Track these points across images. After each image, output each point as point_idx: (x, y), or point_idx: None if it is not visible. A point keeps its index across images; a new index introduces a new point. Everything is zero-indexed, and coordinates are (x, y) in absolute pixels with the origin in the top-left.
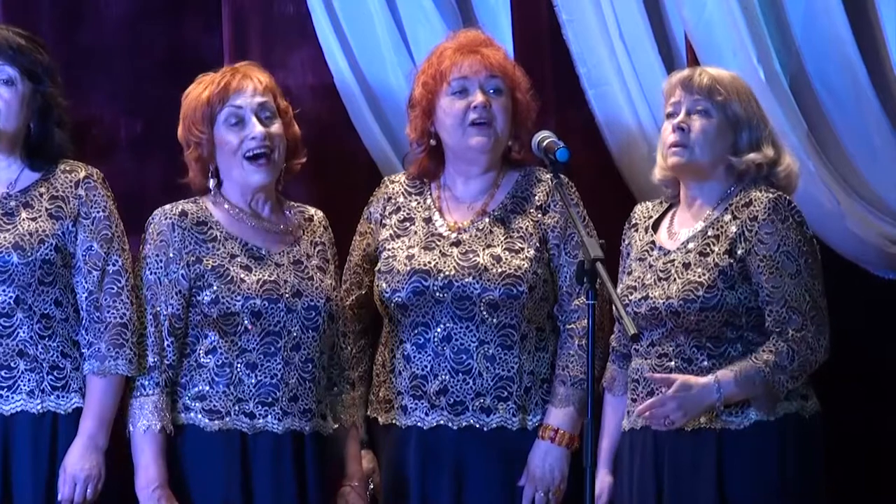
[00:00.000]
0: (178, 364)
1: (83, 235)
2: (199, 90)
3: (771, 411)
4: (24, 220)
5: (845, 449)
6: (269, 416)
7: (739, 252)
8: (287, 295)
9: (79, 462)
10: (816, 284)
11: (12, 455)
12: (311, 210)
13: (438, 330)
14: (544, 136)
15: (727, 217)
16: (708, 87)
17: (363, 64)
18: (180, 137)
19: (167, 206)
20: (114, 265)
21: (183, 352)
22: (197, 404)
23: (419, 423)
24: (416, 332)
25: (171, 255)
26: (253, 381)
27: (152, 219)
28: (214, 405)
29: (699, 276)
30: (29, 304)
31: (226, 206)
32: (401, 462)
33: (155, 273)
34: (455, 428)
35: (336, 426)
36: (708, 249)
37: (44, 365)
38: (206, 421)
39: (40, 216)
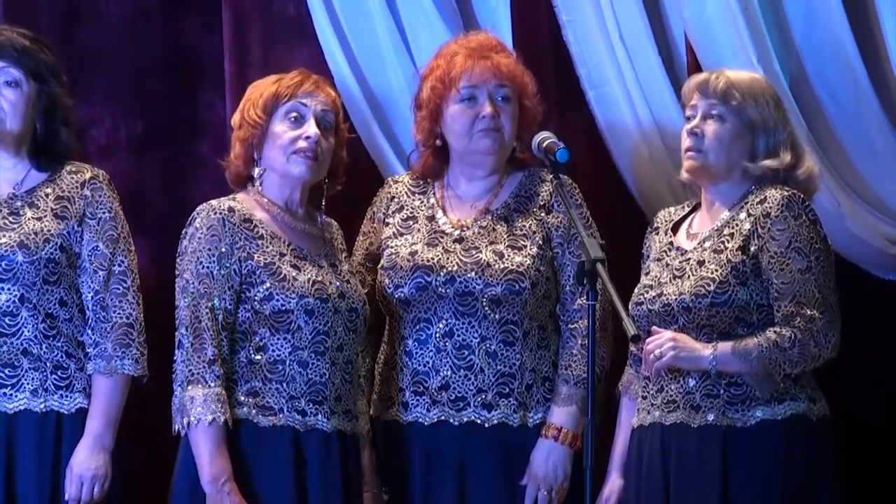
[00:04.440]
0: (230, 359)
1: (89, 236)
2: (270, 81)
3: (767, 395)
4: (29, 219)
5: (844, 450)
6: (319, 415)
7: (752, 249)
8: (334, 296)
9: (85, 462)
10: (827, 281)
11: (17, 454)
12: (329, 219)
13: (440, 325)
14: (544, 137)
15: (742, 215)
16: (723, 92)
17: (363, 65)
18: (234, 120)
19: (213, 202)
20: (119, 265)
21: (231, 348)
22: (250, 400)
23: (420, 419)
24: (417, 327)
25: (224, 249)
26: (304, 379)
27: (198, 213)
28: (268, 402)
29: (711, 273)
30: (34, 304)
31: (265, 203)
32: (403, 458)
33: (208, 267)
34: (456, 424)
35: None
36: (722, 247)
37: (47, 364)
38: (260, 417)
39: (45, 216)
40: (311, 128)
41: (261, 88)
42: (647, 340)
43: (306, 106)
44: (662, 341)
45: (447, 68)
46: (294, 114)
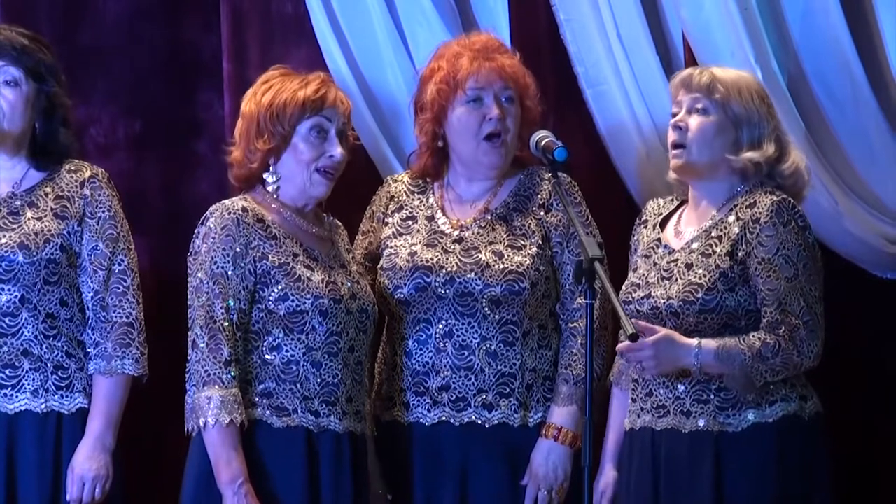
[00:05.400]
0: (243, 359)
1: (88, 235)
2: (293, 86)
3: (745, 394)
4: (29, 219)
5: (842, 449)
6: (332, 416)
7: (740, 254)
8: (346, 297)
9: (86, 462)
10: (813, 290)
11: (17, 454)
12: (336, 220)
13: (440, 326)
14: (542, 136)
15: (731, 218)
16: (707, 85)
17: (362, 64)
18: (251, 118)
19: (226, 202)
20: (119, 265)
21: (245, 348)
22: (264, 401)
23: (421, 420)
24: (417, 328)
25: (238, 249)
26: (318, 379)
27: (211, 213)
28: (281, 402)
29: (699, 278)
30: (34, 304)
31: (277, 205)
32: (404, 459)
33: (223, 267)
34: (457, 424)
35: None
36: (710, 250)
37: (48, 364)
38: (274, 418)
39: (45, 216)
40: (336, 148)
41: (283, 94)
42: (627, 346)
43: (330, 121)
44: (642, 356)
45: (452, 70)
46: (318, 130)
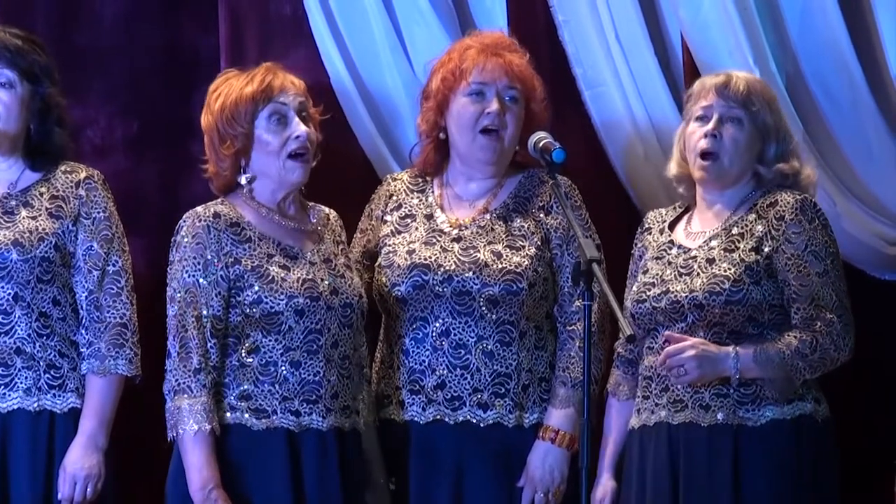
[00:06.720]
0: (220, 365)
1: (83, 235)
2: (239, 84)
3: (784, 398)
4: (24, 218)
5: (843, 449)
6: (314, 414)
7: (766, 250)
8: (326, 293)
9: (79, 461)
10: (842, 285)
11: (9, 452)
12: (326, 209)
13: (437, 324)
14: (541, 137)
15: (752, 216)
16: (744, 96)
17: (359, 65)
18: (211, 129)
19: (199, 209)
20: (114, 265)
21: (224, 352)
22: (242, 404)
23: (416, 418)
24: (414, 326)
25: (209, 257)
26: (297, 379)
27: (184, 222)
28: (260, 404)
29: (725, 271)
30: (27, 302)
31: (254, 205)
32: (399, 457)
33: (193, 276)
34: (452, 423)
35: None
36: (733, 246)
37: (41, 363)
38: (254, 420)
39: (40, 215)
40: (298, 127)
41: (232, 95)
42: (667, 351)
43: (286, 105)
44: (684, 357)
45: (459, 61)
46: (276, 116)
